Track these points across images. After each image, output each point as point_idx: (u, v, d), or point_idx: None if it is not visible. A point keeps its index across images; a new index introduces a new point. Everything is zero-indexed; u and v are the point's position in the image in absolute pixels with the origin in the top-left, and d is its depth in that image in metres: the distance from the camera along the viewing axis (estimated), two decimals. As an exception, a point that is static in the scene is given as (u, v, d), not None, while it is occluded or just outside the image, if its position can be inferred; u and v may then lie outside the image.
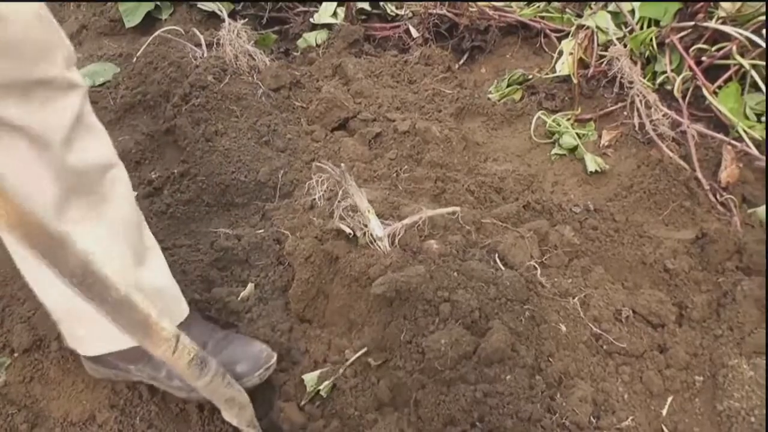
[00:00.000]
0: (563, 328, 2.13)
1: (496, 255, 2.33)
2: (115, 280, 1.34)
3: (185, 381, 2.04)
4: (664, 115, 2.78)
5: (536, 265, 2.32)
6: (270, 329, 2.22)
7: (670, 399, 2.04)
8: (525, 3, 3.82)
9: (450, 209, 2.38)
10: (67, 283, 1.25)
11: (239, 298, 2.31)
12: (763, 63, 2.72)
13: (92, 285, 1.28)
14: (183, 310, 2.09)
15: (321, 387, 2.05)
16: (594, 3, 3.42)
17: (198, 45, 3.38)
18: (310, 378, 2.09)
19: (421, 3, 3.92)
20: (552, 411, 1.91)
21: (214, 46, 3.36)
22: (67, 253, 1.22)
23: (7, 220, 1.11)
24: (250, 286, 2.33)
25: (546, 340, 2.09)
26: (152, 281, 1.98)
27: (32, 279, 1.89)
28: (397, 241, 2.21)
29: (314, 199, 2.29)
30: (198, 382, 1.66)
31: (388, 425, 1.96)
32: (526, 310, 2.11)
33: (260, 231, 2.56)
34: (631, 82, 2.88)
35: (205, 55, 3.31)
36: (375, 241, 2.18)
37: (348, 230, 2.25)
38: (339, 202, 2.23)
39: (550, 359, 2.04)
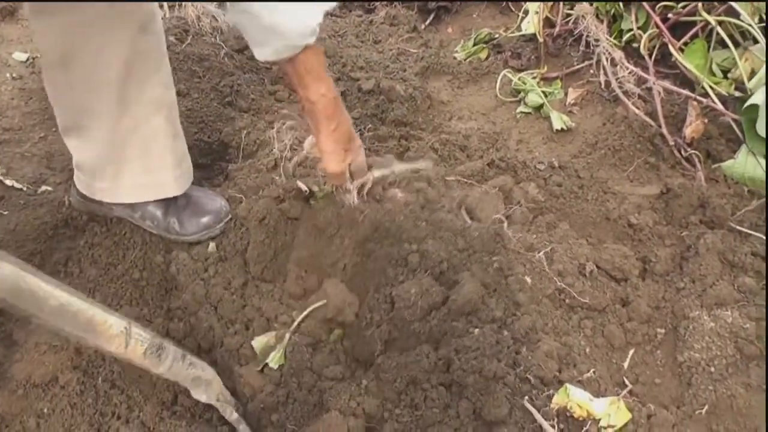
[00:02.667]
0: (529, 280, 2.12)
1: (464, 208, 2.31)
2: (49, 289, 1.34)
3: (156, 223, 2.28)
4: (629, 73, 2.77)
5: (503, 218, 2.31)
6: (223, 288, 2.20)
7: (631, 352, 2.04)
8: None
9: (421, 164, 2.34)
10: None
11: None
12: (729, 19, 2.70)
13: (26, 301, 1.27)
14: None
15: (270, 360, 2.03)
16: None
17: (160, 6, 3.33)
18: (258, 343, 2.07)
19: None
20: (517, 364, 1.90)
21: (176, 7, 3.32)
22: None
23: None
24: (212, 245, 2.31)
25: (514, 292, 2.07)
26: None
27: (69, 136, 2.19)
28: (365, 192, 2.19)
29: (277, 158, 2.27)
30: (159, 369, 1.68)
31: (349, 387, 1.94)
32: (494, 261, 2.09)
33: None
34: (597, 41, 2.87)
35: (167, 16, 3.27)
36: (343, 194, 2.15)
37: (305, 188, 2.22)
38: (295, 158, 2.21)
39: (517, 312, 2.02)
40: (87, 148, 2.15)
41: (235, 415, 1.91)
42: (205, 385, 1.82)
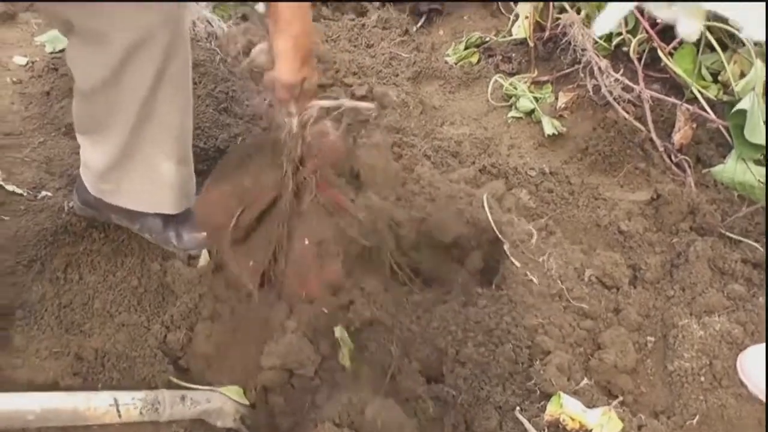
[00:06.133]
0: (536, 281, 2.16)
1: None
2: (23, 403, 1.37)
3: (155, 235, 2.30)
4: (615, 81, 2.79)
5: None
6: (213, 303, 2.21)
7: (623, 360, 2.07)
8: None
9: (367, 105, 2.25)
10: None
11: (198, 268, 2.32)
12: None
13: (6, 422, 1.30)
14: None
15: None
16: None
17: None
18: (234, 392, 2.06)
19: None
20: (528, 378, 1.94)
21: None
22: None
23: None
24: (204, 256, 2.33)
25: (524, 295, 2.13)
26: None
27: (82, 137, 2.19)
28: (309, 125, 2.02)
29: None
30: (162, 420, 1.72)
31: (341, 399, 1.95)
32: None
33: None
34: (584, 49, 2.88)
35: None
36: (285, 116, 1.98)
37: None
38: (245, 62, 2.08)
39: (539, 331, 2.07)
40: (97, 150, 2.16)
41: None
42: (215, 414, 1.85)
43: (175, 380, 2.02)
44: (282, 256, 2.12)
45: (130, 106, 1.98)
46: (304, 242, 2.09)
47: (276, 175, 2.05)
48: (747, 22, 1.21)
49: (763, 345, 1.99)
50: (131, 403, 1.64)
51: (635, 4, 1.24)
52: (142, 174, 2.17)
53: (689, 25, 1.21)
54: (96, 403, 1.56)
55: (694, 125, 2.68)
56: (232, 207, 2.12)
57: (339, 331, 2.05)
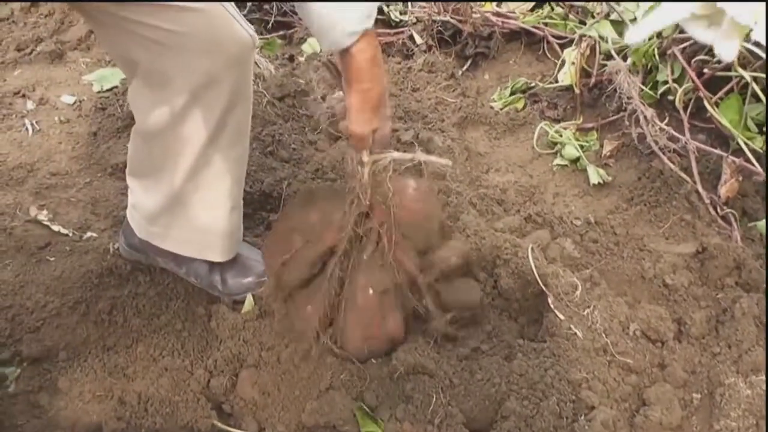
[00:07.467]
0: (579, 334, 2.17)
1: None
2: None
3: (200, 280, 2.35)
4: (660, 130, 2.78)
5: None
6: (258, 352, 2.21)
7: (668, 416, 2.06)
8: (528, 9, 3.82)
9: (442, 160, 2.28)
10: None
11: (242, 312, 2.34)
12: (763, 75, 2.72)
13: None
14: None
15: None
16: (596, 12, 3.42)
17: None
18: None
19: (424, 9, 3.91)
20: None
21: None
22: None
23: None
24: (249, 300, 2.35)
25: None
26: None
27: (133, 180, 2.28)
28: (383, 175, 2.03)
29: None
30: None
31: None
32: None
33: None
34: (629, 97, 2.88)
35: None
36: (357, 166, 2.00)
37: None
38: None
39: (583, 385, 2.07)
40: (149, 193, 2.21)
41: None
42: None
43: (219, 425, 2.05)
44: (341, 304, 2.13)
45: (189, 150, 2.02)
46: (368, 292, 2.09)
47: (342, 218, 2.07)
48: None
49: None
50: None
51: (672, 19, 1.25)
52: (193, 220, 2.20)
53: (727, 47, 1.22)
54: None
55: (740, 177, 2.67)
56: (295, 242, 2.15)
57: (360, 416, 2.03)
